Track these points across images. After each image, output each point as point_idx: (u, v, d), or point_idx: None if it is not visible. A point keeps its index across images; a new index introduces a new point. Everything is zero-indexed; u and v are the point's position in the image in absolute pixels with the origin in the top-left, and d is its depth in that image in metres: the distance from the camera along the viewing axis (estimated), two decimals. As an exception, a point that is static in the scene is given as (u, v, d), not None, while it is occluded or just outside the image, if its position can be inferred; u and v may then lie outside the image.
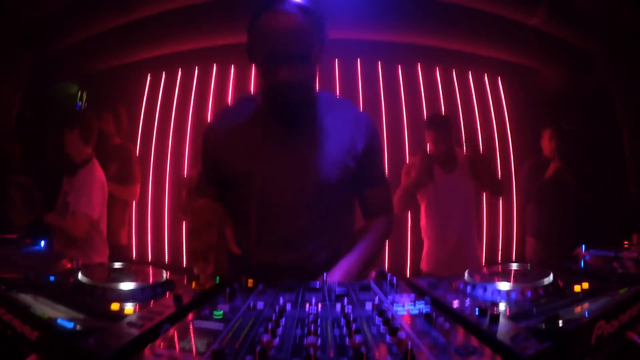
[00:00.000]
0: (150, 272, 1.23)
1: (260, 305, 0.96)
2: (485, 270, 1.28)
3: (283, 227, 1.47)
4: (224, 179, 1.56)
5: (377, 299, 1.00)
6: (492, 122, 4.40)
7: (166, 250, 4.34)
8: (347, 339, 0.75)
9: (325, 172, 1.44)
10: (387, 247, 4.12)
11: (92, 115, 3.34)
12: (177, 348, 0.71)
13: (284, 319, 0.85)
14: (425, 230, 3.18)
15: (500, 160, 4.36)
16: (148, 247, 4.35)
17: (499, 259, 4.22)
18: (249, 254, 1.48)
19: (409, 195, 3.04)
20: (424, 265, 3.16)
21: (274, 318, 0.80)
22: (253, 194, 1.46)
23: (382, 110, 4.17)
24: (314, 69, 1.42)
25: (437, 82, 4.34)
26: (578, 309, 0.91)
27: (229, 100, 4.20)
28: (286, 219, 1.46)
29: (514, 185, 4.34)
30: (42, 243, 1.63)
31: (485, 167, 3.13)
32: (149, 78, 4.40)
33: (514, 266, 1.30)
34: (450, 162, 3.08)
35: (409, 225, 4.12)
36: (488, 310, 0.84)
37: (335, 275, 1.40)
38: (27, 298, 0.96)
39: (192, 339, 0.75)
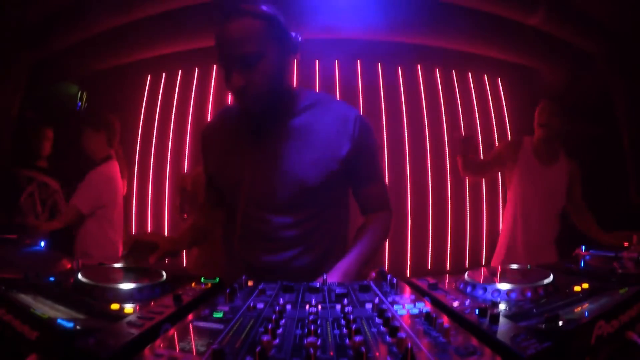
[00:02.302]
0: (150, 272, 1.23)
1: (260, 305, 0.96)
2: (485, 270, 1.28)
3: (263, 229, 1.48)
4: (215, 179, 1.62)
5: (377, 299, 1.00)
6: (492, 122, 4.40)
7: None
8: (347, 339, 0.75)
9: (303, 175, 1.43)
10: (387, 247, 4.12)
11: (115, 118, 3.35)
12: (177, 348, 0.71)
13: (284, 319, 0.85)
14: (506, 230, 2.89)
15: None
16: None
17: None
18: (235, 253, 1.53)
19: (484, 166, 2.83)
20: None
21: (274, 318, 0.80)
22: (236, 194, 1.50)
23: (382, 112, 4.17)
24: (276, 70, 1.39)
25: (437, 83, 4.34)
26: (578, 309, 0.91)
27: (229, 101, 4.20)
28: (266, 220, 1.47)
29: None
30: (42, 243, 1.63)
31: None
32: (149, 79, 4.40)
33: (514, 266, 1.30)
34: (552, 153, 2.74)
35: (409, 225, 4.12)
36: (488, 310, 0.84)
37: (335, 276, 1.40)
38: (27, 298, 0.96)
39: (192, 339, 0.75)
